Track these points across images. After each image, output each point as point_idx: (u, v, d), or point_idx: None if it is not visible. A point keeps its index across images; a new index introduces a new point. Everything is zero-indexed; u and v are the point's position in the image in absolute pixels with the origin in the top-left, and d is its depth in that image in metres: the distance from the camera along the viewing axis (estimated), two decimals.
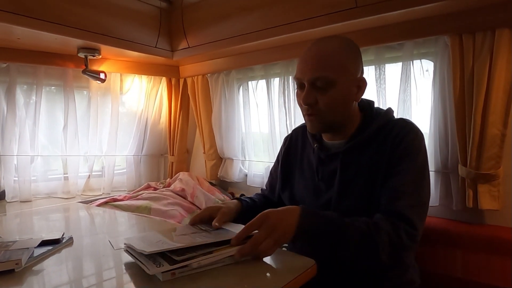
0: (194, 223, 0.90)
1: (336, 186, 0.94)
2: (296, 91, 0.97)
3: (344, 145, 0.97)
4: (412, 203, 0.84)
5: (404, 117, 1.36)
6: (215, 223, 0.85)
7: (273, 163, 1.23)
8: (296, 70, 0.94)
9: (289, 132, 1.61)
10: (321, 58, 0.89)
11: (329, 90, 0.88)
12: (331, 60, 0.88)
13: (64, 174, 1.92)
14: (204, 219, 0.90)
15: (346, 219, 0.81)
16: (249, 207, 1.04)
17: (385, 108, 1.01)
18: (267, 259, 0.81)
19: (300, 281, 0.73)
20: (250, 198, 1.12)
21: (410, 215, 0.83)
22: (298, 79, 0.93)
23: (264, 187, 1.23)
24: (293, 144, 1.14)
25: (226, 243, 0.77)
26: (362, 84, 0.94)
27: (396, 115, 1.38)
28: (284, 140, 1.19)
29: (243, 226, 0.79)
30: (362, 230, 0.80)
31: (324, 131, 0.99)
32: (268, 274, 0.76)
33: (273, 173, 1.20)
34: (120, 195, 1.87)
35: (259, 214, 0.78)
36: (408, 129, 0.91)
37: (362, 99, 1.00)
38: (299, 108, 0.99)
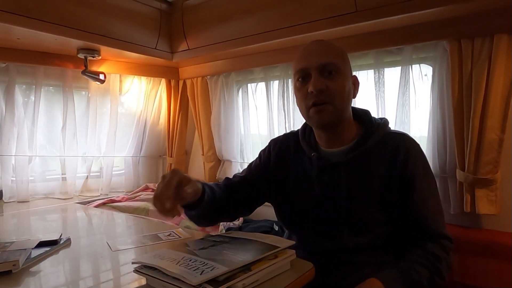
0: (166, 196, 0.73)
1: (344, 198, 0.91)
2: (295, 85, 0.93)
3: (345, 153, 0.94)
4: (442, 219, 0.92)
5: (403, 121, 1.38)
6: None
7: None
8: (298, 61, 0.92)
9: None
10: (327, 47, 0.92)
11: (337, 77, 0.89)
12: (335, 49, 0.92)
13: (62, 174, 1.92)
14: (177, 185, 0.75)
15: (414, 265, 0.84)
16: (208, 201, 0.91)
17: (377, 114, 1.02)
18: None
19: (298, 284, 0.73)
20: (212, 190, 0.94)
21: (446, 232, 0.90)
22: (303, 69, 0.90)
23: (233, 177, 1.08)
24: (284, 149, 1.05)
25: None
26: (356, 82, 0.97)
27: (395, 119, 1.39)
28: (274, 142, 1.09)
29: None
30: (429, 268, 0.85)
31: (332, 125, 0.92)
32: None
33: (253, 169, 1.08)
34: (118, 196, 1.87)
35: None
36: (415, 145, 0.94)
37: (356, 108, 1.00)
38: (298, 110, 0.98)
